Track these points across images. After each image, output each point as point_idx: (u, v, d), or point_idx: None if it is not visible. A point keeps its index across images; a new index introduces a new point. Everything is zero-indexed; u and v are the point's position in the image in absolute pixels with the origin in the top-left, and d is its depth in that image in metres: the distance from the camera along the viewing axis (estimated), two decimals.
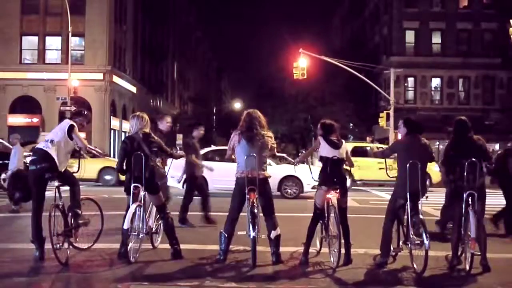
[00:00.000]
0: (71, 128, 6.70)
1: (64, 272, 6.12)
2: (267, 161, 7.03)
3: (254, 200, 6.54)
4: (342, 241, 6.49)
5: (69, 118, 7.04)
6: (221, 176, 15.17)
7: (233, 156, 6.97)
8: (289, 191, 16.46)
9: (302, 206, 13.22)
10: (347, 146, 7.08)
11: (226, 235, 6.69)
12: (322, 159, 6.77)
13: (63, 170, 6.68)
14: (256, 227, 6.46)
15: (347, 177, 7.07)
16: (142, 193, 6.71)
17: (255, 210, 6.50)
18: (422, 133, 6.80)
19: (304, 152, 7.52)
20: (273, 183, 16.33)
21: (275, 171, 15.30)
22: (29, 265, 6.36)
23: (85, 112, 7.24)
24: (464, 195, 6.37)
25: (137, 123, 6.89)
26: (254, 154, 6.60)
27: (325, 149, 6.74)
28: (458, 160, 6.47)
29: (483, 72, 39.28)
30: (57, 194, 6.60)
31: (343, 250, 6.50)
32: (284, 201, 15.88)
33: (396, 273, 6.41)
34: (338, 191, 6.63)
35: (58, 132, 6.74)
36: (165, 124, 9.16)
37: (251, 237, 6.43)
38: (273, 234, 6.67)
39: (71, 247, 6.70)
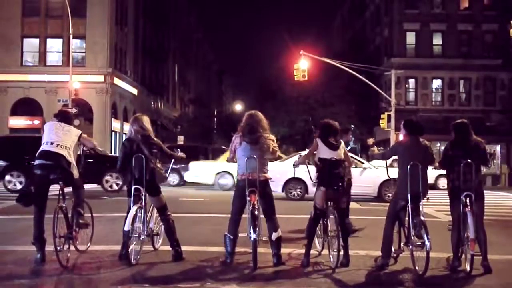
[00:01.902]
0: (81, 135, 6.84)
1: (65, 274, 6.12)
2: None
3: (255, 202, 6.54)
4: (342, 243, 6.52)
5: (63, 121, 6.90)
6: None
7: (234, 159, 6.96)
8: (390, 195, 16.20)
9: (304, 207, 13.21)
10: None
11: (231, 237, 6.68)
12: (320, 160, 6.78)
13: (77, 175, 6.74)
14: (257, 229, 6.46)
15: None
16: (143, 195, 6.72)
17: (256, 212, 6.49)
18: (423, 135, 6.80)
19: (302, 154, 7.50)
20: (374, 187, 16.08)
21: (377, 175, 15.22)
22: (30, 267, 6.35)
23: (72, 113, 7.24)
24: (461, 196, 6.37)
25: (136, 125, 6.91)
26: (255, 156, 6.61)
27: (323, 151, 6.75)
28: (456, 160, 6.47)
29: (484, 74, 39.26)
30: (61, 196, 6.58)
31: (341, 252, 6.51)
32: (286, 202, 15.87)
33: (397, 274, 6.40)
34: (336, 191, 6.62)
35: (73, 140, 6.69)
36: (347, 136, 9.26)
37: (252, 239, 6.41)
38: (274, 236, 6.68)
39: (71, 249, 6.70)
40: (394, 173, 7.01)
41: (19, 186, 17.66)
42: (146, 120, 6.99)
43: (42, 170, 6.49)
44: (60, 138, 6.59)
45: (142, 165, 6.62)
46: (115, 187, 18.33)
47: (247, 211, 6.61)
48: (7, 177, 18.14)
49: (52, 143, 6.55)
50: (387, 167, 7.34)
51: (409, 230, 6.43)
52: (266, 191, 6.75)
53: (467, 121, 6.79)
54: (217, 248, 7.49)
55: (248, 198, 6.55)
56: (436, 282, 6.12)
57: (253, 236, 6.39)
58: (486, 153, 6.76)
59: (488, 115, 37.76)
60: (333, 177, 6.65)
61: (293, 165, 7.46)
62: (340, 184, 6.68)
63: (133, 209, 6.52)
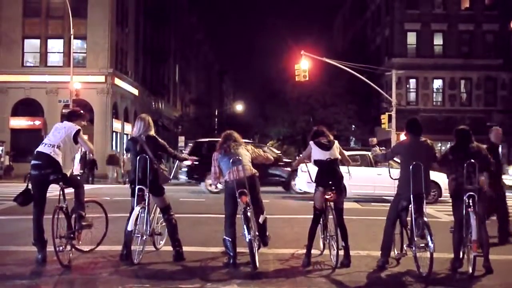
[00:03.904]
0: (77, 132, 6.77)
1: (66, 274, 6.12)
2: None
3: (247, 203, 6.62)
4: (342, 243, 6.53)
5: (67, 120, 6.96)
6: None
7: (219, 179, 7.11)
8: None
9: (305, 207, 13.20)
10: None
11: (230, 239, 6.70)
12: (316, 162, 6.91)
13: (68, 174, 6.71)
14: (252, 230, 6.52)
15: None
16: (146, 195, 6.73)
17: (249, 214, 6.55)
18: (420, 133, 6.79)
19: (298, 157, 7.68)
20: None
21: None
22: (31, 268, 6.36)
23: (81, 112, 7.23)
24: (464, 197, 6.35)
25: (140, 125, 6.95)
26: (237, 157, 6.81)
27: (317, 152, 6.89)
28: (458, 162, 6.46)
29: (485, 73, 39.24)
30: (61, 196, 6.60)
31: (341, 252, 6.52)
32: (287, 202, 15.86)
33: (399, 275, 6.39)
34: (334, 191, 6.68)
35: (65, 137, 6.65)
36: (498, 135, 8.71)
37: (248, 240, 6.44)
38: (261, 218, 6.87)
39: (73, 249, 6.70)
40: (396, 173, 7.00)
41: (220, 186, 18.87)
42: (150, 122, 7.06)
43: (35, 170, 6.55)
44: (49, 139, 6.68)
45: (146, 166, 6.67)
46: None
47: (240, 212, 6.66)
48: (208, 180, 19.00)
49: (42, 143, 6.67)
50: (389, 169, 7.34)
51: (412, 231, 6.40)
52: (255, 189, 6.87)
53: (467, 128, 6.78)
54: (217, 249, 7.49)
55: (239, 200, 6.62)
56: (437, 283, 6.09)
57: (248, 237, 6.42)
58: (488, 157, 6.76)
59: (489, 115, 37.72)
60: (330, 177, 6.73)
61: (292, 166, 7.58)
62: (337, 183, 6.75)
63: (137, 209, 6.57)
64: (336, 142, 7.03)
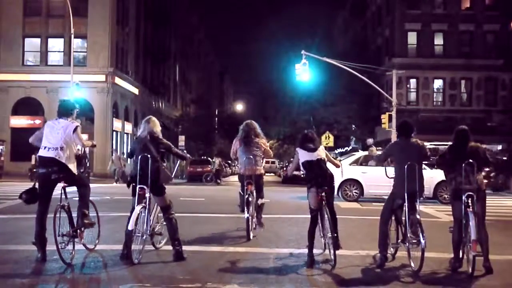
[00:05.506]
0: (75, 129, 6.74)
1: (67, 273, 6.13)
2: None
3: (251, 190, 8.62)
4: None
5: (60, 116, 6.91)
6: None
7: (237, 155, 9.04)
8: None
9: (305, 207, 13.21)
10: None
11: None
12: (304, 165, 7.11)
13: (75, 171, 6.72)
14: (250, 211, 8.45)
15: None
16: (147, 195, 6.74)
17: (250, 199, 8.57)
18: (411, 134, 6.90)
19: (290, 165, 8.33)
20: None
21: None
22: (32, 267, 6.36)
23: (70, 101, 7.24)
24: (463, 196, 6.37)
25: (145, 125, 7.01)
26: (251, 156, 8.75)
27: (303, 156, 7.12)
28: (455, 162, 6.49)
29: (485, 74, 39.23)
30: (63, 195, 6.60)
31: (338, 252, 6.63)
32: (287, 202, 15.88)
33: (396, 272, 6.42)
34: (326, 189, 6.89)
35: (65, 137, 6.63)
36: None
37: (246, 217, 8.37)
38: (260, 201, 8.99)
39: (75, 248, 6.70)
40: (392, 172, 7.10)
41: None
42: (156, 123, 7.14)
43: (43, 168, 6.56)
44: (50, 142, 6.62)
45: (147, 165, 6.67)
46: None
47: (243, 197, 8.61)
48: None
49: (44, 147, 6.62)
50: (386, 169, 7.42)
51: (405, 228, 6.55)
52: (258, 183, 8.98)
53: (466, 128, 6.79)
54: (217, 248, 7.50)
55: (245, 187, 8.65)
56: (437, 283, 6.10)
57: (246, 215, 8.39)
58: (487, 156, 6.77)
59: (489, 115, 37.72)
60: (320, 176, 6.92)
61: (287, 173, 7.98)
62: (328, 182, 7.01)
63: (137, 208, 6.56)
64: (321, 146, 7.39)
